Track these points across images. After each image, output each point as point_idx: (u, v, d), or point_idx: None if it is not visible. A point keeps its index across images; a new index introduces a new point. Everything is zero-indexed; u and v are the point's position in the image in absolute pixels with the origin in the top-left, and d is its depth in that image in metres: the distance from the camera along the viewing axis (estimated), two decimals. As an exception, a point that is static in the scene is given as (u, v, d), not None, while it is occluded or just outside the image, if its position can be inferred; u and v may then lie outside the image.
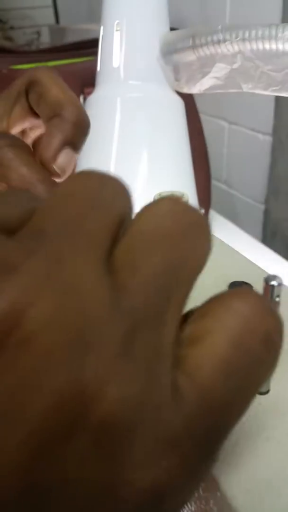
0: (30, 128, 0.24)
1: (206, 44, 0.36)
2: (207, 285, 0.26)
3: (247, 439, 0.18)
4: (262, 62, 0.35)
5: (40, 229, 0.10)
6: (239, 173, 0.83)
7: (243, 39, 0.35)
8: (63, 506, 0.09)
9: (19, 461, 0.08)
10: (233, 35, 0.35)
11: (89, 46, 0.62)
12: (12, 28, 1.11)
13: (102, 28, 0.40)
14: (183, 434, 0.10)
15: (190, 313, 0.12)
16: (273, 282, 0.18)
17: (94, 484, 0.09)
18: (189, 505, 0.19)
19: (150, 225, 0.11)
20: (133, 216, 0.11)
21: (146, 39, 0.38)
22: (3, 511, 0.08)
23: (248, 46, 0.35)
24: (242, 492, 0.16)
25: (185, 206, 0.11)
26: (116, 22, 0.38)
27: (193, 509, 0.19)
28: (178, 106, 0.39)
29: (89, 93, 0.46)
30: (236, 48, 0.35)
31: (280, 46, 0.34)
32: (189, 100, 0.47)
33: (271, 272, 0.28)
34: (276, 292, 0.18)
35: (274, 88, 0.35)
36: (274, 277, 0.18)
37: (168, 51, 0.38)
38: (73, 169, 0.23)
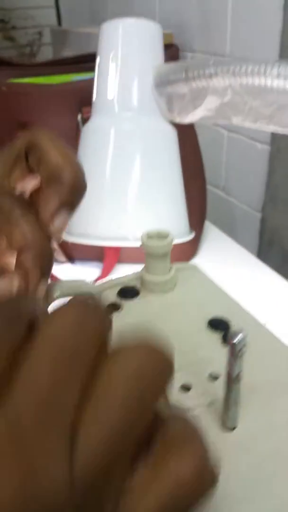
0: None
1: (199, 77, 0.38)
2: (186, 322, 0.28)
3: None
4: (251, 97, 0.36)
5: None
6: (237, 180, 0.84)
7: (233, 74, 0.36)
8: None
9: None
10: (224, 70, 0.37)
11: (89, 60, 0.63)
12: (14, 28, 1.12)
13: (98, 58, 0.41)
14: None
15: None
16: (235, 340, 0.20)
17: None
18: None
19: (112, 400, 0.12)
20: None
21: (141, 71, 0.40)
22: None
23: (238, 81, 0.36)
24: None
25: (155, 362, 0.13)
26: (111, 54, 0.40)
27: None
28: (170, 136, 0.41)
29: (88, 112, 0.48)
30: (226, 82, 0.37)
31: (269, 83, 0.35)
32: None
33: (255, 306, 0.30)
34: (237, 348, 0.20)
35: (262, 122, 0.36)
36: (236, 334, 0.20)
37: (162, 83, 0.40)
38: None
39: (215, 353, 0.25)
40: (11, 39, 1.12)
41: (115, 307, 0.29)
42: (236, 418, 0.21)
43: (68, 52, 1.03)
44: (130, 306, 0.29)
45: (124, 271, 0.33)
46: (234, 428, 0.22)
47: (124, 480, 0.13)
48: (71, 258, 0.64)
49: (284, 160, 0.73)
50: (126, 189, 0.39)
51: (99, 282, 0.32)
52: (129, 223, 0.39)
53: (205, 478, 0.13)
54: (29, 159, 0.23)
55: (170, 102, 0.40)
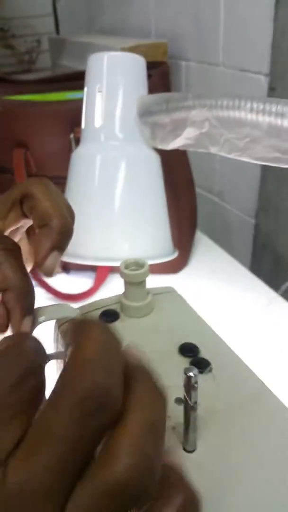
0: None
1: (178, 109, 0.40)
2: (158, 347, 0.30)
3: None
4: (226, 130, 0.38)
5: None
6: (231, 188, 0.86)
7: (210, 108, 0.39)
8: None
9: None
10: (202, 103, 0.39)
11: (82, 78, 0.66)
12: (13, 36, 1.14)
13: (85, 89, 0.43)
14: None
15: None
16: (190, 374, 0.22)
17: None
18: None
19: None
20: None
21: (125, 101, 0.42)
22: None
23: (214, 114, 0.39)
24: None
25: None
26: (97, 85, 0.42)
27: None
28: (153, 162, 0.43)
29: (79, 132, 0.50)
30: (204, 115, 0.39)
31: (242, 116, 0.38)
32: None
33: (240, 322, 0.32)
34: (193, 380, 0.23)
35: (236, 153, 0.39)
36: (191, 369, 0.23)
37: (145, 113, 0.42)
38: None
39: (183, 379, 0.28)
40: (10, 47, 1.14)
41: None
42: (194, 442, 0.24)
43: (65, 60, 1.05)
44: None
45: (115, 282, 0.35)
46: (194, 450, 0.24)
47: None
48: (66, 269, 0.67)
49: (276, 169, 0.75)
50: (112, 212, 0.42)
51: (81, 305, 0.35)
52: (116, 245, 0.42)
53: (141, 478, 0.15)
54: (24, 206, 0.27)
55: (152, 130, 0.43)
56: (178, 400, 0.27)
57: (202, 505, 0.18)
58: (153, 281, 0.38)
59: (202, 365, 0.28)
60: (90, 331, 0.17)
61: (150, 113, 0.42)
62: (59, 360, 0.22)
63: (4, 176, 0.62)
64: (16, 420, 0.16)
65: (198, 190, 0.90)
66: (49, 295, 0.63)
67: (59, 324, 0.32)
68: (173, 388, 0.28)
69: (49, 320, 0.28)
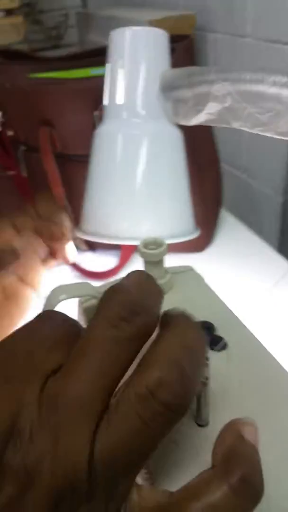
0: None
1: (200, 84, 0.39)
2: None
3: (185, 472, 0.23)
4: (249, 104, 0.37)
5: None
6: (258, 164, 0.84)
7: (232, 81, 0.38)
8: None
9: None
10: (224, 77, 0.38)
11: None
12: (41, 11, 1.13)
13: (107, 65, 0.43)
14: None
15: None
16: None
17: None
18: None
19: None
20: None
21: (148, 77, 0.41)
22: None
23: (236, 88, 0.38)
24: None
25: None
26: (119, 61, 0.42)
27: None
28: (176, 139, 0.43)
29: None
30: (226, 89, 0.38)
31: (266, 90, 0.37)
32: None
33: (259, 301, 0.32)
34: None
35: (259, 128, 0.38)
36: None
37: (167, 88, 0.41)
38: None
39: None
40: (38, 22, 1.14)
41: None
42: (207, 417, 0.25)
43: (92, 35, 1.04)
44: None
45: (141, 260, 0.36)
46: (207, 424, 0.25)
47: (128, 491, 0.17)
48: (92, 247, 0.68)
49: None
50: (134, 191, 0.42)
51: (102, 283, 0.36)
52: (137, 223, 0.42)
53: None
54: None
55: (175, 106, 0.42)
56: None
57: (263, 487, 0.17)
58: (177, 260, 0.38)
59: (217, 343, 0.28)
60: (132, 273, 0.20)
61: (172, 88, 0.41)
62: None
63: (31, 155, 0.62)
64: (56, 348, 0.18)
65: (224, 165, 0.89)
66: (76, 273, 0.64)
67: (82, 301, 0.33)
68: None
69: (70, 298, 0.29)
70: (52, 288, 0.29)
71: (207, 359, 0.23)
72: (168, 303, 0.34)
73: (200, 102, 0.41)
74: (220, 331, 0.29)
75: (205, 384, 0.24)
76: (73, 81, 0.60)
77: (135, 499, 0.17)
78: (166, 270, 0.33)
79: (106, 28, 1.10)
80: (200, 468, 0.23)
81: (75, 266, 0.64)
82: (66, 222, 0.35)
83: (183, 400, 0.17)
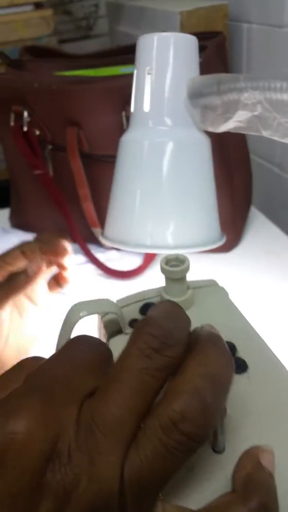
0: None
1: (230, 91, 0.38)
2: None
3: (197, 496, 0.23)
4: (279, 114, 0.36)
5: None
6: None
7: (263, 90, 0.37)
8: None
9: None
10: (254, 85, 0.37)
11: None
12: (71, 1, 1.12)
13: (135, 71, 0.42)
14: None
15: None
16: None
17: None
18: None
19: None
20: None
21: (176, 84, 0.41)
22: None
23: (267, 96, 0.37)
24: None
25: None
26: (147, 68, 0.41)
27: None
28: (203, 146, 0.42)
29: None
30: (256, 97, 0.37)
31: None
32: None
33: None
34: None
35: (290, 139, 0.37)
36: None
37: (195, 95, 0.41)
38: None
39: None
40: (68, 13, 1.13)
41: (136, 323, 0.33)
42: (223, 443, 0.25)
43: (123, 26, 1.02)
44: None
45: None
46: (222, 451, 0.25)
47: (153, 506, 0.19)
48: (117, 246, 0.68)
49: None
50: (159, 199, 0.42)
51: (121, 298, 0.36)
52: (162, 232, 0.42)
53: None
54: None
55: (203, 113, 0.41)
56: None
57: None
58: (202, 259, 0.37)
59: (237, 365, 0.28)
60: (161, 304, 0.21)
61: (200, 95, 0.40)
62: None
63: (58, 154, 0.63)
64: (90, 373, 0.20)
65: (258, 160, 0.87)
66: (100, 272, 0.64)
67: (102, 315, 0.33)
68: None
69: (90, 314, 0.29)
70: (72, 305, 0.30)
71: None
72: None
73: (229, 110, 0.40)
74: (241, 353, 0.29)
75: (224, 410, 0.24)
76: (102, 80, 0.59)
77: None
78: (188, 286, 0.33)
79: (137, 18, 1.08)
80: (212, 493, 0.23)
81: (99, 265, 0.65)
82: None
83: (204, 430, 0.18)
